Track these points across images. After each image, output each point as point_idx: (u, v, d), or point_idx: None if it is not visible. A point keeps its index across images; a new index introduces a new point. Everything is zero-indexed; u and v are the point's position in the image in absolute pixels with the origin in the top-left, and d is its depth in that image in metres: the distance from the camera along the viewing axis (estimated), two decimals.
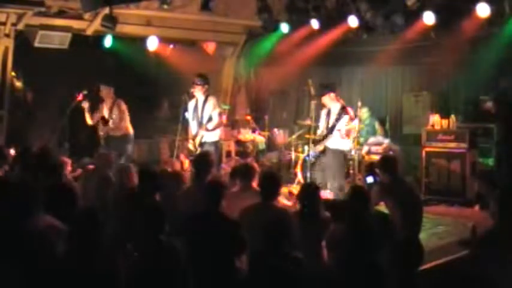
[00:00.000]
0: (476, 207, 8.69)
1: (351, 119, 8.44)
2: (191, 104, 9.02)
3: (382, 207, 6.13)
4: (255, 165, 6.58)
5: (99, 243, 4.12)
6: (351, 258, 4.27)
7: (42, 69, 9.86)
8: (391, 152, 9.99)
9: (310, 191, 5.57)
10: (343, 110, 8.52)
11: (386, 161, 6.47)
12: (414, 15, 9.12)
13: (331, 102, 8.64)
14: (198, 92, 8.93)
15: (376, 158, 10.01)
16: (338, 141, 8.51)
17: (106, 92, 9.59)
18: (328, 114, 8.69)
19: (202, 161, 6.61)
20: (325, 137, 8.64)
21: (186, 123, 9.19)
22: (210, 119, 8.85)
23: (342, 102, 8.67)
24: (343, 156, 8.61)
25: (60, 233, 4.28)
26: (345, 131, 8.37)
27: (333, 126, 8.54)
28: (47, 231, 4.25)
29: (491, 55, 9.48)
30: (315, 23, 10.02)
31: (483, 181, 6.38)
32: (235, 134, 11.60)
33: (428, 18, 8.98)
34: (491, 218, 4.93)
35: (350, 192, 5.41)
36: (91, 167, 7.51)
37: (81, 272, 3.94)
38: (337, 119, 8.50)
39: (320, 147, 8.74)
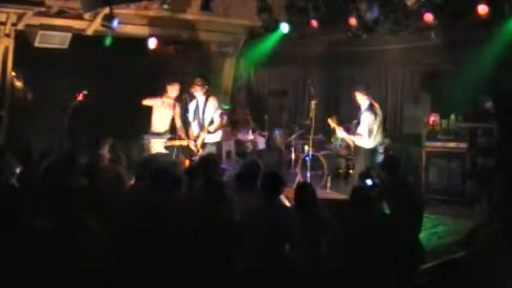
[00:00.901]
0: (476, 207, 8.69)
1: (374, 118, 8.38)
2: (192, 105, 9.03)
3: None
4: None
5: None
6: (351, 257, 4.27)
7: (42, 69, 9.85)
8: (391, 152, 10.00)
9: (306, 190, 5.57)
10: (367, 109, 8.44)
11: (390, 161, 6.51)
12: (414, 15, 9.12)
13: (359, 99, 8.55)
14: (199, 93, 8.93)
15: None
16: (359, 139, 8.46)
17: (175, 89, 9.64)
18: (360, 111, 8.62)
19: (210, 162, 6.60)
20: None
21: (186, 123, 9.20)
22: (212, 122, 8.84)
23: (369, 99, 8.53)
24: (363, 154, 8.44)
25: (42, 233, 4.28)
26: (366, 130, 8.32)
27: (357, 124, 8.53)
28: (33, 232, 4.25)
29: (491, 55, 9.50)
30: (315, 23, 10.02)
31: (475, 181, 6.41)
32: (235, 134, 11.60)
33: (428, 18, 8.98)
34: (485, 217, 4.96)
35: (352, 192, 5.42)
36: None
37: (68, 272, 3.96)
38: (360, 117, 8.47)
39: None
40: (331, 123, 8.81)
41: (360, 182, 6.52)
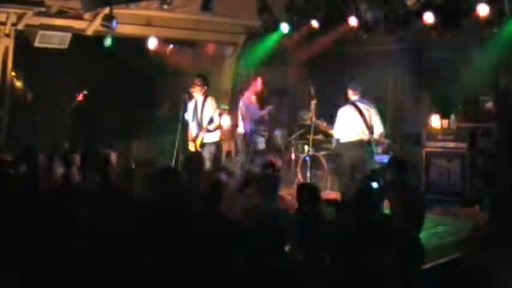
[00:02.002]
0: (476, 207, 8.69)
1: (353, 112, 8.53)
2: (191, 105, 9.03)
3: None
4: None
5: None
6: (351, 257, 4.27)
7: (42, 69, 9.86)
8: (391, 152, 10.00)
9: (308, 190, 5.56)
10: (347, 103, 8.69)
11: (396, 162, 6.55)
12: (414, 15, 9.13)
13: (349, 95, 8.78)
14: (197, 93, 8.94)
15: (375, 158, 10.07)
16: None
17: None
18: None
19: (193, 162, 6.62)
20: None
21: (185, 124, 9.20)
22: (211, 121, 8.84)
23: (351, 97, 8.74)
24: (342, 147, 8.71)
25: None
26: (337, 125, 8.65)
27: None
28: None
29: (491, 55, 9.49)
30: (315, 23, 10.02)
31: (481, 179, 6.43)
32: (235, 134, 11.58)
33: (428, 18, 8.98)
34: (485, 216, 4.96)
35: (355, 192, 5.43)
36: None
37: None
38: None
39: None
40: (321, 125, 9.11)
41: (365, 183, 6.52)
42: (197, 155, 6.98)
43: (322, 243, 5.11)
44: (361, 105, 8.61)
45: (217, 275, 4.60)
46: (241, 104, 9.79)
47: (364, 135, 8.53)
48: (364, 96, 8.81)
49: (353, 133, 8.53)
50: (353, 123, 8.54)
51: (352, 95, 8.69)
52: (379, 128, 8.63)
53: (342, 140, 8.65)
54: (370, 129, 8.54)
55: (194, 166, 6.47)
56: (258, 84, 10.09)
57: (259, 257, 4.27)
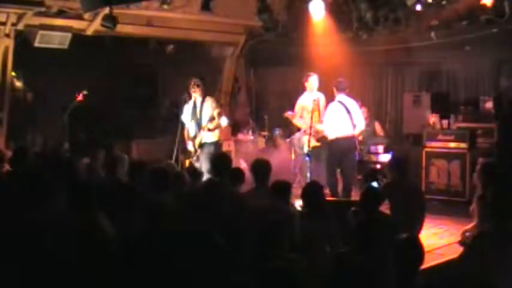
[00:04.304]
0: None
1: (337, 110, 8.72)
2: (189, 105, 9.03)
3: (383, 208, 6.15)
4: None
5: None
6: (351, 258, 4.27)
7: (42, 69, 9.87)
8: (391, 152, 10.01)
9: (314, 190, 5.55)
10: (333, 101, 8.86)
11: (397, 161, 6.58)
12: (414, 15, 9.14)
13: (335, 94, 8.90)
14: (196, 93, 8.95)
15: (375, 158, 10.07)
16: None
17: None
18: None
19: (223, 161, 6.58)
20: None
21: (184, 124, 9.19)
22: (212, 119, 8.84)
23: (337, 95, 8.83)
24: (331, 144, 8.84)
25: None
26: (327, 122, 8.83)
27: None
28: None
29: (491, 55, 9.48)
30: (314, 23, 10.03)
31: (484, 172, 6.44)
32: (235, 133, 11.59)
33: (428, 18, 9.00)
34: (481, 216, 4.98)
35: (363, 193, 5.44)
36: None
37: None
38: None
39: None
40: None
41: (366, 183, 6.53)
42: (225, 157, 6.92)
43: (326, 243, 5.12)
44: (347, 103, 8.73)
45: (218, 274, 4.60)
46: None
47: (349, 131, 8.71)
48: (348, 95, 8.91)
49: (341, 129, 8.66)
50: (341, 120, 8.67)
51: (338, 93, 8.79)
52: (360, 125, 8.80)
53: (331, 136, 8.73)
54: (355, 125, 8.71)
55: (223, 167, 6.43)
56: (313, 81, 9.36)
57: (257, 257, 4.28)
